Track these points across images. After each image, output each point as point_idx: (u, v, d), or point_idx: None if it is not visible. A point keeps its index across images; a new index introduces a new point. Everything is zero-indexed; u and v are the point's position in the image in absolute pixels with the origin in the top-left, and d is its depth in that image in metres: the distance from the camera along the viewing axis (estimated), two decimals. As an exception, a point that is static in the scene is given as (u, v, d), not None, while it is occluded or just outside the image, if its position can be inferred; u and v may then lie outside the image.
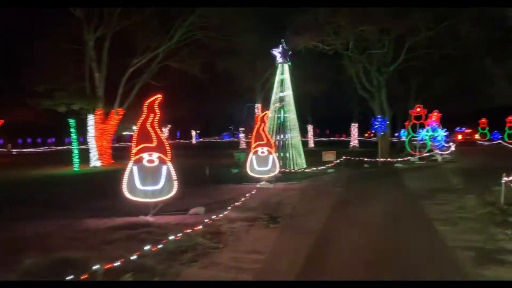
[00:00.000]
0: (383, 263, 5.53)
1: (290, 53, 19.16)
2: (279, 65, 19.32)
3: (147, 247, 5.49)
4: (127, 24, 24.40)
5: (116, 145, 52.41)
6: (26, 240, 6.68)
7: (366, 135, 62.84)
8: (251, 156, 14.32)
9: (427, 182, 14.70)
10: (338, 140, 65.01)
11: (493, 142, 45.86)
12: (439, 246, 6.22)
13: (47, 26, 23.18)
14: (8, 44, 29.04)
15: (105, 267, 4.52)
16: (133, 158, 8.92)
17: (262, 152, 14.24)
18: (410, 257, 5.76)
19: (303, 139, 56.85)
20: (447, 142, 34.32)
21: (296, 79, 24.14)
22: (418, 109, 26.34)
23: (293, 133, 19.10)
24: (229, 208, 9.13)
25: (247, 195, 11.04)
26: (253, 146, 14.42)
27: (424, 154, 25.86)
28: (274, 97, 19.46)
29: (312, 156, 23.48)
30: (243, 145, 42.86)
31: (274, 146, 15.59)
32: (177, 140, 75.84)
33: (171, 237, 6.12)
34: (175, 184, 9.03)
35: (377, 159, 22.52)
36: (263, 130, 14.38)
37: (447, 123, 33.53)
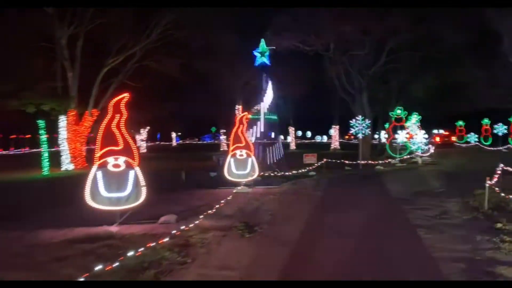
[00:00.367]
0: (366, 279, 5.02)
1: (270, 53, 18.67)
2: (259, 65, 18.81)
3: (99, 267, 4.80)
4: (102, 22, 23.39)
5: (93, 147, 50.80)
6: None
7: (347, 137, 63.13)
8: (229, 159, 13.71)
9: (408, 185, 14.42)
10: (319, 142, 65.16)
11: (470, 144, 46.68)
12: (425, 258, 5.77)
13: (13, 21, 21.91)
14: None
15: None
16: (97, 162, 8.20)
17: (241, 155, 13.66)
18: (394, 272, 5.28)
19: (284, 141, 56.61)
20: (426, 144, 34.68)
21: (276, 79, 23.78)
22: (399, 111, 26.35)
23: (273, 135, 18.61)
24: (202, 216, 8.49)
25: (223, 201, 10.42)
26: (231, 148, 13.82)
27: (405, 157, 25.87)
28: (254, 97, 18.94)
29: (294, 158, 23.09)
30: (224, 147, 42.20)
31: (254, 148, 15.05)
32: (158, 142, 74.44)
33: (130, 253, 5.44)
34: (144, 190, 8.34)
35: (358, 161, 22.29)
36: (242, 132, 13.80)
37: (427, 125, 33.90)
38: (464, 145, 47.02)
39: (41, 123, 20.22)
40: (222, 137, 48.85)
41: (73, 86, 24.25)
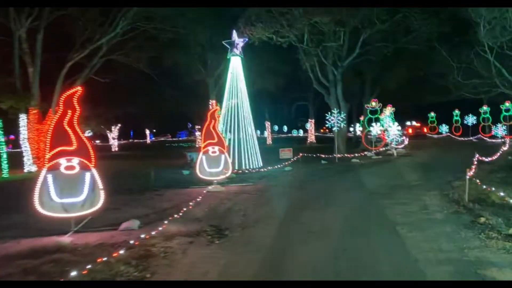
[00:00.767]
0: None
1: (242, 45, 17.96)
2: (231, 58, 18.08)
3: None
4: (64, 13, 21.92)
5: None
6: None
7: (322, 130, 63.37)
8: (201, 156, 12.98)
9: (385, 178, 14.14)
10: (296, 137, 65.08)
11: (442, 135, 47.68)
12: (409, 261, 5.28)
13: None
14: None
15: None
16: (47, 165, 7.31)
17: (213, 152, 12.95)
18: (376, 279, 4.75)
19: (261, 136, 56.18)
20: (400, 136, 35.00)
21: (251, 73, 23.10)
22: (374, 103, 26.29)
23: (248, 130, 17.96)
24: (169, 220, 7.75)
25: (193, 202, 9.69)
26: (202, 145, 13.08)
27: (380, 149, 25.86)
28: (226, 91, 18.20)
29: (270, 153, 22.54)
30: (199, 144, 41.15)
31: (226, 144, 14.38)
32: (131, 140, 72.53)
33: (74, 273, 4.66)
34: (102, 194, 7.51)
35: (334, 155, 22.02)
36: (214, 128, 13.08)
37: (400, 117, 34.20)
38: (436, 136, 47.97)
39: (-3, 122, 18.73)
40: (198, 133, 47.80)
41: (34, 83, 22.66)
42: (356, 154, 23.01)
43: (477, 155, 13.12)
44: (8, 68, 22.37)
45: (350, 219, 7.92)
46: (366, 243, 6.20)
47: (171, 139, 77.87)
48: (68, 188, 7.30)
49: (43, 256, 5.64)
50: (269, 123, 48.17)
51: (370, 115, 26.53)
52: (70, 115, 7.44)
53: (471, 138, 40.54)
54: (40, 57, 22.57)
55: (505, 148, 21.99)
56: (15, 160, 21.10)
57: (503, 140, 31.18)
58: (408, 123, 52.35)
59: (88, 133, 32.60)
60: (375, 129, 25.95)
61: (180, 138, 74.66)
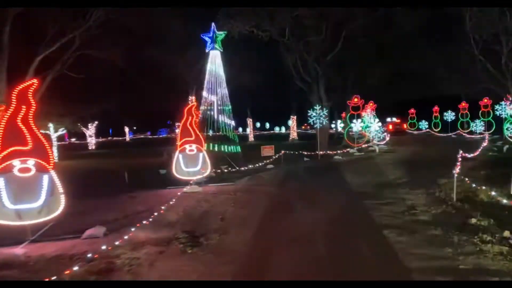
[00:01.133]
0: None
1: (222, 38, 17.26)
2: (210, 52, 17.36)
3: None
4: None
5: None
6: None
7: (303, 127, 63.27)
8: (178, 155, 12.27)
9: (369, 176, 13.77)
10: (278, 133, 64.77)
11: (422, 131, 48.18)
12: (402, 271, 4.79)
13: None
14: None
15: None
16: (-2, 167, 6.51)
17: (191, 150, 12.27)
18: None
19: (243, 133, 55.46)
20: (382, 132, 35.03)
21: (231, 68, 22.40)
22: (356, 100, 26.04)
23: (228, 127, 17.30)
24: (138, 225, 7.05)
25: (167, 204, 9.00)
26: (179, 143, 12.37)
27: (362, 146, 25.67)
28: (205, 87, 17.49)
29: (251, 151, 21.96)
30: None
31: (205, 142, 13.69)
32: (110, 138, 70.75)
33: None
34: (62, 198, 6.76)
35: (317, 152, 21.63)
36: (191, 125, 12.37)
37: (380, 113, 34.21)
38: (416, 132, 48.46)
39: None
40: (178, 130, 46.68)
41: (1, 78, 21.33)
42: (339, 151, 22.70)
43: (461, 152, 12.87)
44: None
45: (334, 223, 7.40)
46: (353, 251, 5.69)
47: (150, 136, 76.23)
48: (22, 193, 6.53)
49: (-14, 274, 4.89)
50: (251, 120, 47.55)
51: (352, 111, 26.27)
52: (24, 111, 6.65)
53: (450, 134, 41.04)
54: (7, 50, 21.25)
55: (485, 144, 22.10)
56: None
57: (481, 136, 31.58)
58: (388, 119, 52.77)
59: (62, 131, 31.19)
60: (357, 125, 25.76)
61: (161, 136, 73.14)
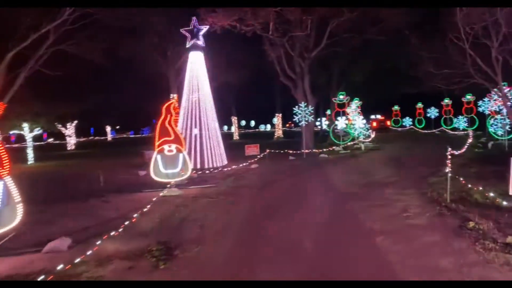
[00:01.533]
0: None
1: (203, 33, 16.54)
2: (192, 47, 16.63)
3: None
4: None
5: (16, 145, 44.99)
6: None
7: (287, 125, 62.94)
8: (156, 156, 11.54)
9: (356, 175, 13.31)
10: (263, 132, 64.28)
11: (406, 128, 48.41)
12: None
13: None
14: None
15: None
16: None
17: (170, 151, 11.55)
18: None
19: (228, 131, 54.79)
20: (367, 129, 34.89)
21: (214, 65, 21.69)
22: (341, 97, 25.70)
23: (211, 126, 16.61)
24: (105, 238, 6.33)
25: (142, 210, 8.29)
26: (157, 143, 11.63)
27: (348, 143, 25.36)
28: (187, 83, 16.75)
29: (236, 149, 21.35)
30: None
31: (185, 141, 12.99)
32: (91, 138, 69.01)
33: None
34: (19, 208, 6.00)
35: (302, 150, 21.17)
36: (170, 123, 11.65)
37: (365, 110, 34.11)
38: (399, 129, 48.67)
39: None
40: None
41: (-32, 76, 20.12)
42: (324, 149, 22.29)
43: (449, 149, 12.53)
44: None
45: (322, 229, 6.84)
46: (343, 265, 5.12)
47: (132, 136, 74.73)
48: (-28, 203, 5.75)
49: None
50: (235, 118, 46.85)
51: (338, 109, 25.93)
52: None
53: (433, 130, 41.32)
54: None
55: (470, 141, 22.03)
56: None
57: (465, 132, 31.76)
58: (372, 116, 52.93)
59: (38, 131, 29.87)
60: (341, 123, 25.45)
61: (144, 135, 71.72)
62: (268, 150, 17.86)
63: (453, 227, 6.24)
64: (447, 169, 8.53)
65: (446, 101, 40.09)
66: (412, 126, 47.74)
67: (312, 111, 22.35)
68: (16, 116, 26.71)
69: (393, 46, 23.28)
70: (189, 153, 15.30)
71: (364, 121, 28.95)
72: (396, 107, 50.95)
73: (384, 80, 32.37)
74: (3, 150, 6.10)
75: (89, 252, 5.49)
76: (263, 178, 13.28)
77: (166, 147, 11.53)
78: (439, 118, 43.32)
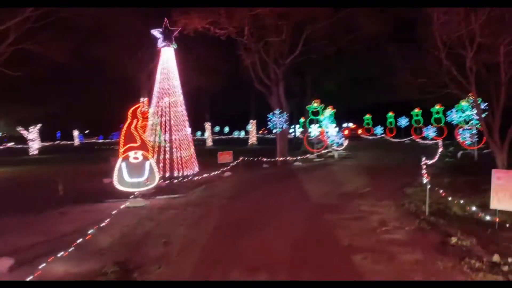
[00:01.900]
0: None
1: (175, 35, 15.89)
2: (163, 49, 15.94)
3: None
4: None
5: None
6: None
7: (261, 132, 62.76)
8: (120, 163, 10.76)
9: (331, 184, 12.98)
10: (237, 138, 63.69)
11: (377, 137, 49.23)
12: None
13: None
14: None
15: None
16: None
17: (135, 158, 10.81)
18: None
19: (201, 137, 53.87)
20: (341, 138, 35.08)
21: (187, 69, 20.99)
22: (316, 104, 25.60)
23: (182, 132, 15.89)
24: (50, 260, 5.52)
25: (101, 224, 7.51)
26: (121, 150, 10.85)
27: (322, 151, 25.23)
28: (157, 87, 16.00)
29: (208, 156, 20.68)
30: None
31: (152, 148, 12.26)
32: (57, 142, 66.06)
33: None
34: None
35: (276, 158, 20.78)
36: (136, 128, 10.91)
37: (337, 119, 34.36)
38: (371, 137, 49.42)
39: None
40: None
41: None
42: (299, 157, 22.01)
43: (424, 159, 12.47)
44: None
45: (297, 246, 6.30)
46: None
47: (101, 141, 72.24)
48: None
49: None
50: (209, 124, 46.05)
51: (312, 116, 25.80)
52: None
53: (404, 139, 42.15)
54: None
55: (440, 150, 22.41)
56: None
57: (434, 141, 32.47)
58: (344, 124, 53.60)
59: (-3, 135, 27.98)
60: (314, 130, 25.36)
61: (113, 140, 69.38)
62: (241, 158, 17.31)
63: (434, 243, 5.91)
64: (425, 180, 8.29)
65: (416, 111, 41.03)
66: (383, 135, 48.59)
67: (287, 118, 22.08)
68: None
69: (368, 55, 23.45)
70: (158, 160, 14.52)
71: (337, 129, 29.09)
72: (367, 116, 51.80)
73: (358, 89, 32.70)
74: None
75: (29, 278, 4.71)
76: (235, 188, 12.71)
77: (131, 154, 10.79)
78: (409, 127, 44.29)
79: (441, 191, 8.21)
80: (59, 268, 5.28)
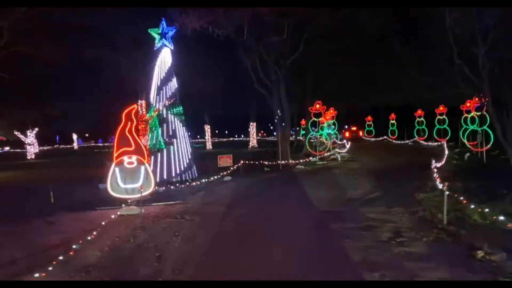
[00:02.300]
0: None
1: (172, 34, 15.34)
2: (159, 49, 15.38)
3: None
4: None
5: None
6: None
7: (260, 134, 62.24)
8: (114, 168, 10.15)
9: (337, 189, 12.35)
10: (237, 141, 63.14)
11: (379, 138, 48.56)
12: None
13: None
14: None
15: None
16: None
17: (130, 163, 10.20)
18: None
19: (201, 140, 53.23)
20: (341, 140, 34.48)
21: (186, 71, 20.43)
22: (318, 106, 25.01)
23: (180, 135, 15.27)
24: (38, 271, 4.94)
25: (91, 234, 6.90)
26: (115, 154, 10.24)
27: (324, 154, 24.63)
28: (154, 89, 15.42)
29: (208, 160, 20.10)
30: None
31: (151, 152, 11.65)
32: (56, 146, 65.56)
33: None
34: None
35: (278, 161, 20.15)
36: (130, 132, 10.31)
37: (339, 121, 33.91)
38: (373, 139, 48.78)
39: None
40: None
41: None
42: (301, 160, 21.38)
43: (433, 162, 11.87)
44: None
45: (301, 261, 5.61)
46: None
47: (100, 144, 71.69)
48: None
49: None
50: (209, 127, 45.44)
51: (314, 118, 25.23)
52: None
53: (407, 141, 41.51)
54: None
55: (446, 152, 21.76)
56: None
57: (439, 143, 31.83)
58: (346, 126, 53.06)
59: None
60: (314, 132, 24.85)
61: (112, 144, 68.75)
62: (242, 161, 16.69)
63: (459, 258, 5.29)
64: (440, 185, 7.67)
65: (419, 112, 40.41)
66: (385, 137, 47.94)
67: (289, 120, 21.50)
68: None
69: (372, 54, 22.87)
70: (155, 165, 13.91)
71: (336, 131, 28.62)
72: (368, 118, 51.18)
73: (360, 90, 32.12)
74: None
75: None
76: (236, 194, 12.08)
77: (125, 158, 10.18)
78: (411, 129, 43.64)
79: (461, 198, 7.57)
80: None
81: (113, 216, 8.49)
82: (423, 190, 10.46)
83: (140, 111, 25.75)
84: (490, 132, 20.21)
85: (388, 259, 5.46)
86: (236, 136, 70.25)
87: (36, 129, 39.80)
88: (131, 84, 27.04)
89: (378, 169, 17.70)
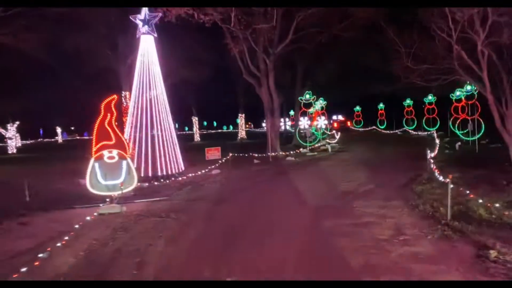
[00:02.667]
0: None
1: (156, 21, 14.53)
2: (142, 37, 14.58)
3: None
4: None
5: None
6: None
7: (247, 126, 61.59)
8: (93, 164, 9.46)
9: (329, 181, 11.90)
10: (226, 132, 62.41)
11: (368, 128, 48.49)
12: None
13: None
14: None
15: None
16: None
17: (110, 157, 9.51)
18: None
19: (189, 132, 52.39)
20: (331, 130, 34.14)
21: (171, 60, 19.63)
22: (308, 96, 24.50)
23: (165, 126, 14.56)
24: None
25: (65, 237, 6.26)
26: (94, 148, 9.54)
27: (315, 145, 24.22)
28: (137, 79, 14.64)
29: (196, 152, 19.49)
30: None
31: (129, 146, 10.92)
32: (40, 140, 63.79)
33: None
34: None
35: (268, 153, 19.64)
36: (110, 124, 9.61)
37: (328, 111, 33.58)
38: (361, 129, 48.72)
39: None
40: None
41: None
42: (291, 152, 20.91)
43: (429, 152, 11.50)
44: None
45: (296, 268, 5.05)
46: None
47: (86, 138, 70.01)
48: None
49: None
50: (196, 119, 44.58)
51: (304, 108, 24.73)
52: None
53: (396, 131, 41.48)
54: None
55: (437, 141, 21.57)
56: None
57: (428, 133, 31.77)
58: (334, 117, 52.88)
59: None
60: (303, 123, 24.35)
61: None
62: (231, 154, 16.10)
63: (470, 258, 4.84)
64: (441, 177, 7.24)
65: (408, 101, 40.30)
66: (374, 127, 47.88)
67: (278, 110, 20.92)
68: None
69: (363, 41, 22.34)
70: (139, 158, 13.23)
71: (326, 122, 28.21)
72: (357, 108, 51.01)
73: (350, 79, 31.68)
74: None
75: None
76: (224, 188, 11.52)
77: (105, 153, 9.48)
78: (400, 118, 43.60)
79: (467, 191, 7.14)
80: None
81: (92, 215, 7.83)
82: (420, 182, 10.07)
83: (124, 103, 24.87)
84: (481, 121, 20.09)
85: (393, 261, 4.96)
86: (225, 127, 69.43)
87: (17, 122, 38.44)
88: (114, 75, 26.04)
89: (370, 159, 17.35)
